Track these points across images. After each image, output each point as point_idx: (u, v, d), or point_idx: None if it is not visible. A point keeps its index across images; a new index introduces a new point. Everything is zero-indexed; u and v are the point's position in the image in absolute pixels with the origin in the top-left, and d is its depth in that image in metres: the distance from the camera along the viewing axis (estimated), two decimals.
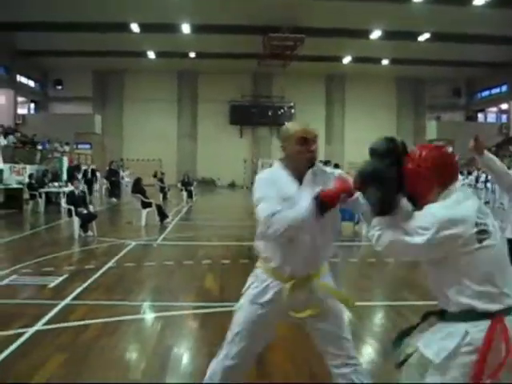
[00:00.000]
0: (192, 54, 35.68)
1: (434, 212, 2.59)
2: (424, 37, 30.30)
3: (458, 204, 2.62)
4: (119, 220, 17.61)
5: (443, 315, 2.69)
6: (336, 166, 20.50)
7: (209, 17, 28.00)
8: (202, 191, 33.74)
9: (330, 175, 3.25)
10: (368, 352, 5.21)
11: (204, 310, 6.52)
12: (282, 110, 42.83)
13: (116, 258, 9.83)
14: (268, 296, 3.16)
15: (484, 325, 2.49)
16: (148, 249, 11.36)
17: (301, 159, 3.17)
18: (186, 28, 29.41)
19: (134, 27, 29.02)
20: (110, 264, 9.22)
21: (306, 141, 3.15)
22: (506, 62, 36.69)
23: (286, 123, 3.37)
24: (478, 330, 2.49)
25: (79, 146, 39.59)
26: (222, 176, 41.59)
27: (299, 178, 3.17)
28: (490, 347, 2.45)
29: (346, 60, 36.58)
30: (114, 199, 24.75)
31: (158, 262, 9.55)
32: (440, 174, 2.71)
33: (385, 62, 37.04)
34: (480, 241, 2.54)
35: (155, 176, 27.18)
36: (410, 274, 8.86)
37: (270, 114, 42.61)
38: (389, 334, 5.71)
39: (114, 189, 25.60)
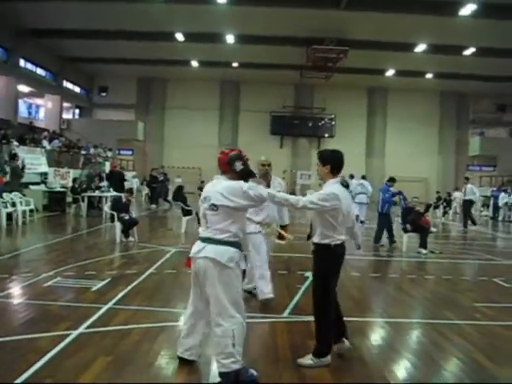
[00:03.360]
0: (235, 64, 35.93)
1: None
2: (469, 51, 29.92)
3: None
4: (159, 226, 17.78)
5: None
6: (363, 177, 21.03)
7: (253, 27, 28.21)
8: None
9: None
10: (406, 366, 5.20)
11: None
12: (323, 122, 42.73)
13: (156, 264, 9.97)
14: None
15: None
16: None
17: None
18: (229, 38, 29.67)
19: (179, 36, 29.43)
20: (150, 270, 9.35)
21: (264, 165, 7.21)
22: None
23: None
24: None
25: (121, 152, 40.28)
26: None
27: None
28: None
29: (389, 73, 36.31)
30: (153, 206, 25.04)
31: None
32: None
33: (428, 75, 36.63)
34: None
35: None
36: (450, 292, 8.77)
37: (310, 125, 42.55)
38: (426, 351, 5.70)
39: (155, 195, 25.88)
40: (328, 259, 5.04)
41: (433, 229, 14.34)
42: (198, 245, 4.63)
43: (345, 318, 5.39)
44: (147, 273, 9.11)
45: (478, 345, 5.91)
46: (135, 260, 10.69)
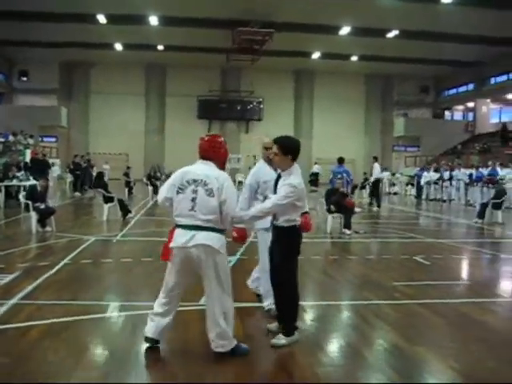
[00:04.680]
0: (160, 47, 35.22)
1: None
2: (393, 34, 30.37)
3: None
4: (81, 215, 17.21)
5: None
6: None
7: (177, 9, 27.69)
8: None
9: None
10: (321, 351, 5.10)
11: None
12: (251, 105, 42.66)
13: (73, 254, 9.52)
14: None
15: None
16: (107, 245, 11.07)
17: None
18: (153, 20, 28.97)
19: (101, 18, 28.50)
20: (65, 261, 8.91)
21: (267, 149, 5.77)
22: (473, 61, 37.10)
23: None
24: None
25: (45, 139, 38.89)
26: None
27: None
28: None
29: (315, 55, 36.55)
30: (77, 193, 24.27)
31: (116, 258, 9.30)
32: None
33: (354, 58, 37.05)
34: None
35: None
36: (371, 272, 8.79)
37: (238, 108, 42.45)
38: (343, 333, 5.65)
39: (78, 183, 25.08)
40: (295, 241, 5.19)
41: (357, 209, 14.43)
42: (183, 234, 4.51)
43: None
44: (61, 264, 8.66)
45: (395, 324, 5.90)
46: (51, 251, 10.20)
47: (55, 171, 31.19)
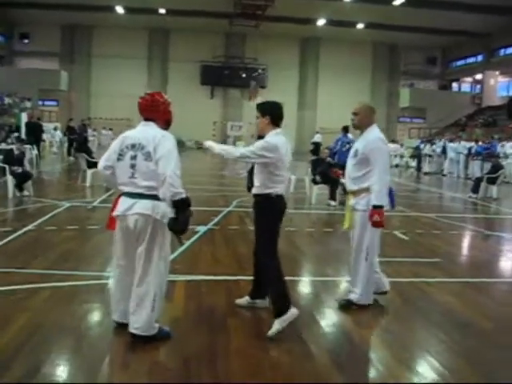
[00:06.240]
0: (162, 10, 34.61)
1: None
2: (399, 1, 29.62)
3: None
4: (66, 180, 16.95)
5: None
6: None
7: None
8: None
9: None
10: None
11: (107, 280, 5.96)
12: (256, 73, 42.00)
13: (40, 220, 9.24)
14: None
15: None
16: (80, 211, 10.76)
17: None
18: None
19: None
20: (29, 227, 8.63)
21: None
22: (482, 32, 36.25)
23: None
24: None
25: (45, 103, 38.66)
26: (192, 137, 40.72)
27: None
28: None
29: (321, 22, 35.77)
30: (71, 158, 24.00)
31: (83, 225, 9.03)
32: None
33: (360, 25, 36.26)
34: None
35: None
36: (345, 247, 8.48)
37: (242, 75, 41.78)
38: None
39: (72, 147, 24.79)
40: (272, 210, 4.81)
41: (343, 180, 14.04)
42: (125, 201, 4.23)
43: (228, 278, 5.67)
44: (24, 230, 8.37)
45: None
46: (20, 216, 9.97)
47: (57, 135, 30.98)
